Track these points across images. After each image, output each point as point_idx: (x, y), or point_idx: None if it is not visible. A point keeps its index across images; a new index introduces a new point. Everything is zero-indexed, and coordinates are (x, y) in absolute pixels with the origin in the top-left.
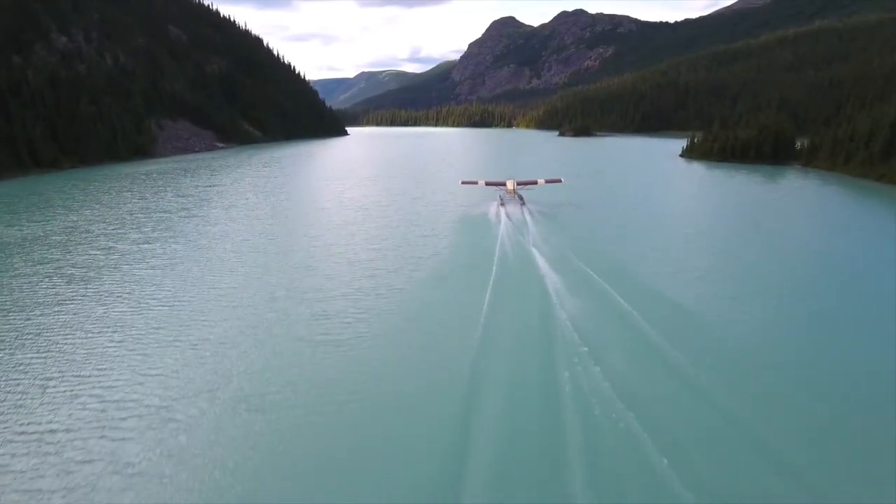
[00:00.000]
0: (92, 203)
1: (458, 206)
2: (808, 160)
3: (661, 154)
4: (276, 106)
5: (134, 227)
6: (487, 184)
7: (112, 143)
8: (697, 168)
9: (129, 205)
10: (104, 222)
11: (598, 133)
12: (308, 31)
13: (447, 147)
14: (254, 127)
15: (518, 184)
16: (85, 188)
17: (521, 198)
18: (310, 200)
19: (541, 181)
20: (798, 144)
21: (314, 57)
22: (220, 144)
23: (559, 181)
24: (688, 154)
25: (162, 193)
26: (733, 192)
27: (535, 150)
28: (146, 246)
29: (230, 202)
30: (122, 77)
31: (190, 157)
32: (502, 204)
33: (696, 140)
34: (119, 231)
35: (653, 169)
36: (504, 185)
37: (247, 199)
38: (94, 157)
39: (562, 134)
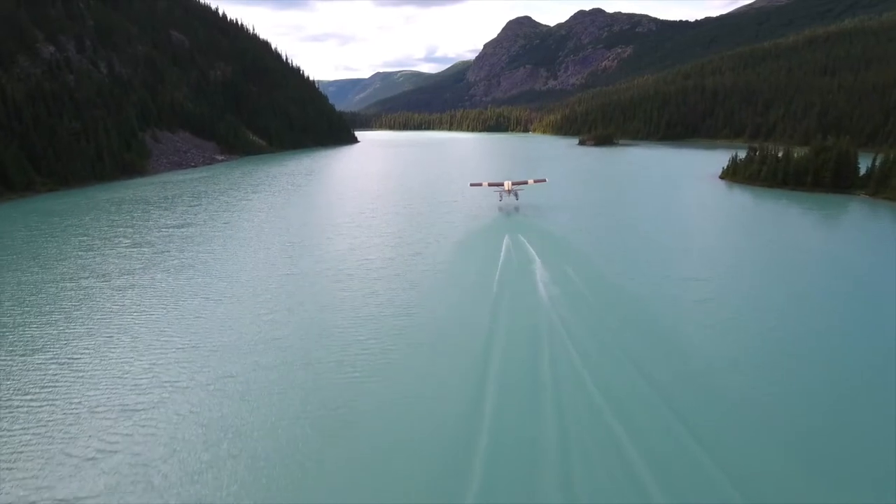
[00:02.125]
0: (17, 261)
1: (464, 266)
2: (877, 189)
3: (696, 173)
4: (284, 114)
5: (40, 314)
6: (490, 184)
7: (97, 162)
8: (741, 196)
9: (61, 266)
10: (7, 301)
11: (620, 142)
12: (325, 32)
13: (460, 158)
14: (259, 136)
15: (513, 184)
16: (31, 228)
17: (516, 195)
18: (282, 260)
19: (530, 181)
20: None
21: (331, 57)
22: (220, 157)
23: (544, 181)
24: (729, 176)
25: (116, 240)
26: (787, 233)
27: (554, 164)
28: (24, 361)
29: (186, 260)
30: (116, 87)
31: (182, 174)
32: (501, 199)
33: (738, 160)
34: (7, 327)
35: (688, 195)
36: (503, 185)
37: (210, 253)
38: (77, 177)
39: (582, 143)
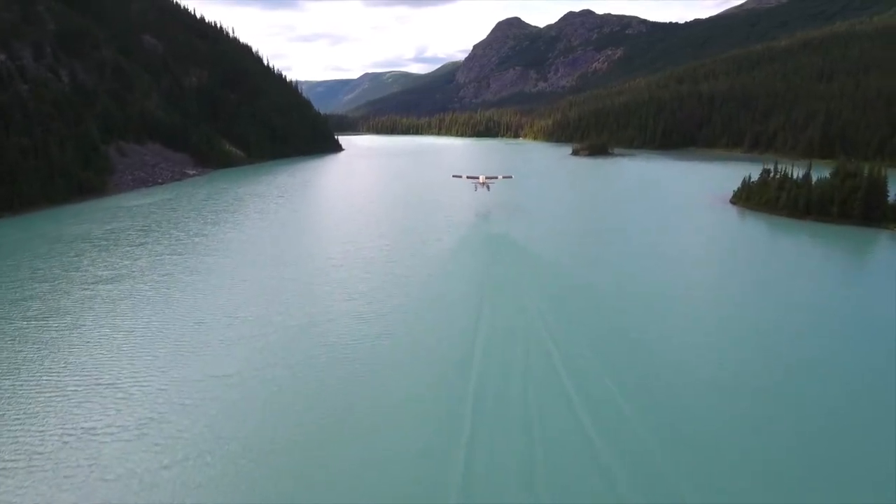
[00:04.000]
0: None
1: (436, 346)
2: None
3: (704, 195)
4: (264, 122)
5: None
6: (468, 177)
7: (48, 182)
8: (756, 227)
9: None
10: None
11: (615, 151)
12: (315, 32)
13: (448, 170)
14: (237, 146)
15: (486, 178)
16: None
17: (487, 187)
18: (215, 350)
19: (500, 177)
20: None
21: (321, 57)
22: (192, 172)
23: (510, 177)
24: (742, 201)
25: (24, 305)
26: (808, 272)
27: (547, 180)
28: None
29: (92, 343)
30: (77, 97)
31: (143, 195)
32: (475, 189)
33: (750, 182)
34: None
35: (699, 227)
36: (478, 178)
37: (128, 332)
38: (24, 201)
39: (576, 153)
